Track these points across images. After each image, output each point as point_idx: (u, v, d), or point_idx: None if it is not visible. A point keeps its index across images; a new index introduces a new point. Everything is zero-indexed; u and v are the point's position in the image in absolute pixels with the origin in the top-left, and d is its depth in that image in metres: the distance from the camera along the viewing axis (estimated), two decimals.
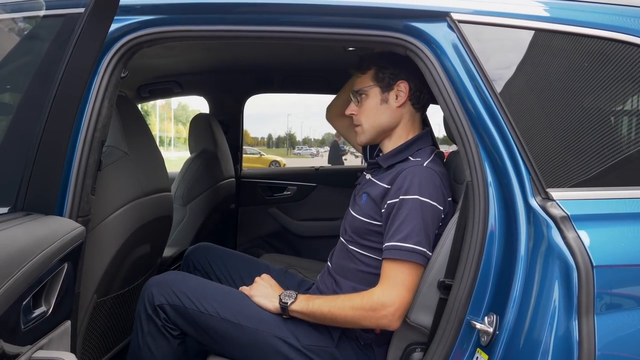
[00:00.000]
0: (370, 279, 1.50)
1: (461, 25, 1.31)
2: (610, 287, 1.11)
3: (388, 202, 1.46)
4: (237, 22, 1.41)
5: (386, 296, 1.39)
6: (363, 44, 1.60)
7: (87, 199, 1.34)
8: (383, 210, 1.48)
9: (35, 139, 1.08)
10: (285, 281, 1.84)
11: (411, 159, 1.55)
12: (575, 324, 1.07)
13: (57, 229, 1.06)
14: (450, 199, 1.50)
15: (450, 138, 1.61)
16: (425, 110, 1.68)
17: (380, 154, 1.71)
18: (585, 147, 1.22)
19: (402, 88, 1.58)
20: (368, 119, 1.62)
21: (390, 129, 1.62)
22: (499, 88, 1.28)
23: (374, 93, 1.60)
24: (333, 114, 2.09)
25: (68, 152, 1.30)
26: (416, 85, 1.57)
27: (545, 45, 1.31)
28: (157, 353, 1.51)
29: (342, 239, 1.65)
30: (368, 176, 1.66)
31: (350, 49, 2.22)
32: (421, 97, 1.61)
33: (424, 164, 1.50)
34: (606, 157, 1.22)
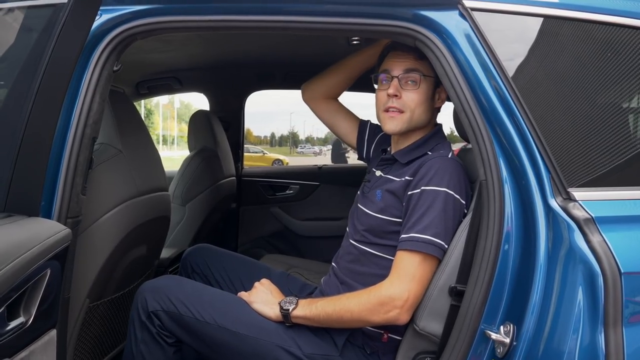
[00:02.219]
0: (380, 281, 1.40)
1: (474, 13, 1.23)
2: None
3: (409, 193, 1.39)
4: (236, 11, 1.33)
5: (394, 289, 1.31)
6: (369, 34, 1.52)
7: (77, 199, 1.26)
8: (404, 203, 1.40)
9: (18, 134, 1.00)
10: (287, 285, 1.76)
11: (430, 153, 1.48)
12: (601, 335, 0.99)
13: (38, 233, 0.97)
14: (471, 193, 1.42)
15: (460, 134, 1.53)
16: None
17: (389, 149, 1.63)
18: (611, 143, 1.14)
19: (444, 91, 1.50)
20: (416, 109, 1.47)
21: (421, 127, 1.52)
22: (515, 80, 1.19)
23: (429, 85, 1.49)
24: (319, 95, 1.82)
25: (57, 149, 1.23)
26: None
27: (567, 34, 1.22)
28: None
29: (351, 241, 1.54)
30: (379, 173, 1.57)
31: (355, 42, 2.14)
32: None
33: (449, 156, 1.43)
34: (634, 154, 1.13)
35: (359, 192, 1.64)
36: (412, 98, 1.47)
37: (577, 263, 1.04)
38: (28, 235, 0.94)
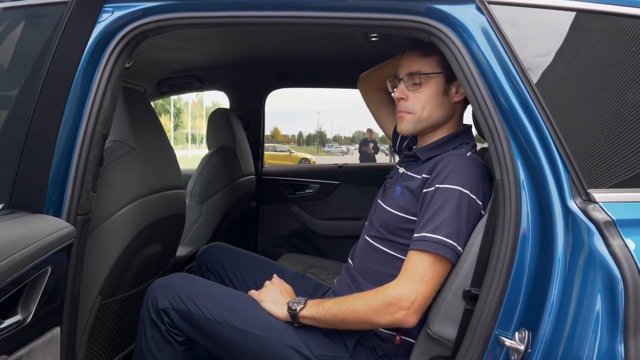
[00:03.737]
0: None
1: (491, 7, 1.18)
2: None
3: (424, 191, 1.35)
4: (249, 7, 1.31)
5: (401, 289, 1.26)
6: (384, 29, 1.48)
7: (87, 196, 1.26)
8: (419, 201, 1.36)
9: (23, 132, 1.00)
10: (301, 285, 1.74)
11: (452, 152, 1.43)
12: (621, 345, 0.93)
13: (37, 230, 0.97)
14: (490, 194, 1.37)
15: (479, 132, 1.48)
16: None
17: (415, 146, 1.59)
18: (635, 142, 1.08)
19: None
20: (424, 108, 1.45)
21: (441, 123, 1.48)
22: (534, 77, 1.14)
23: (437, 82, 1.45)
24: (370, 85, 1.90)
25: (67, 146, 1.23)
26: None
27: (589, 28, 1.16)
28: (160, 359, 1.43)
29: (366, 237, 1.52)
30: (402, 170, 1.54)
31: (374, 38, 2.10)
32: None
33: (467, 154, 1.39)
34: None
35: (381, 188, 1.61)
36: (417, 99, 1.45)
37: (596, 268, 0.99)
38: (26, 232, 0.94)
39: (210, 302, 1.42)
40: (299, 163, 19.59)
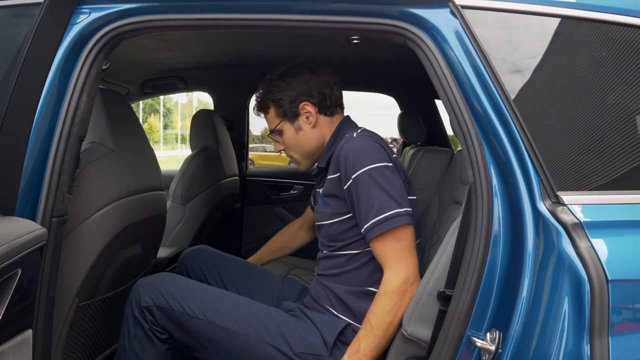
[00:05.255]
0: (359, 274, 1.46)
1: (465, 12, 1.19)
2: (628, 304, 0.98)
3: (344, 187, 1.41)
4: (226, 9, 1.31)
5: (401, 273, 1.34)
6: (362, 33, 1.49)
7: (62, 198, 1.26)
8: (346, 199, 1.42)
9: None
10: (283, 288, 1.75)
11: (342, 142, 1.48)
12: (587, 346, 0.94)
13: (6, 232, 0.97)
14: (395, 155, 1.45)
15: (455, 134, 1.50)
16: (342, 106, 1.64)
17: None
18: (602, 147, 1.09)
19: (308, 109, 1.55)
20: (296, 150, 1.62)
21: (319, 146, 1.60)
22: (506, 82, 1.15)
23: (286, 127, 1.59)
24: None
25: (43, 148, 1.22)
26: (319, 97, 1.55)
27: (562, 34, 1.18)
28: (142, 357, 1.43)
29: (324, 250, 1.57)
30: (320, 189, 1.60)
31: (355, 40, 2.12)
32: (329, 102, 1.57)
33: (354, 135, 1.45)
34: (626, 158, 1.09)
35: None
36: (288, 145, 1.62)
37: (564, 269, 1.00)
38: None
39: (192, 300, 1.43)
40: (289, 163, 19.57)
